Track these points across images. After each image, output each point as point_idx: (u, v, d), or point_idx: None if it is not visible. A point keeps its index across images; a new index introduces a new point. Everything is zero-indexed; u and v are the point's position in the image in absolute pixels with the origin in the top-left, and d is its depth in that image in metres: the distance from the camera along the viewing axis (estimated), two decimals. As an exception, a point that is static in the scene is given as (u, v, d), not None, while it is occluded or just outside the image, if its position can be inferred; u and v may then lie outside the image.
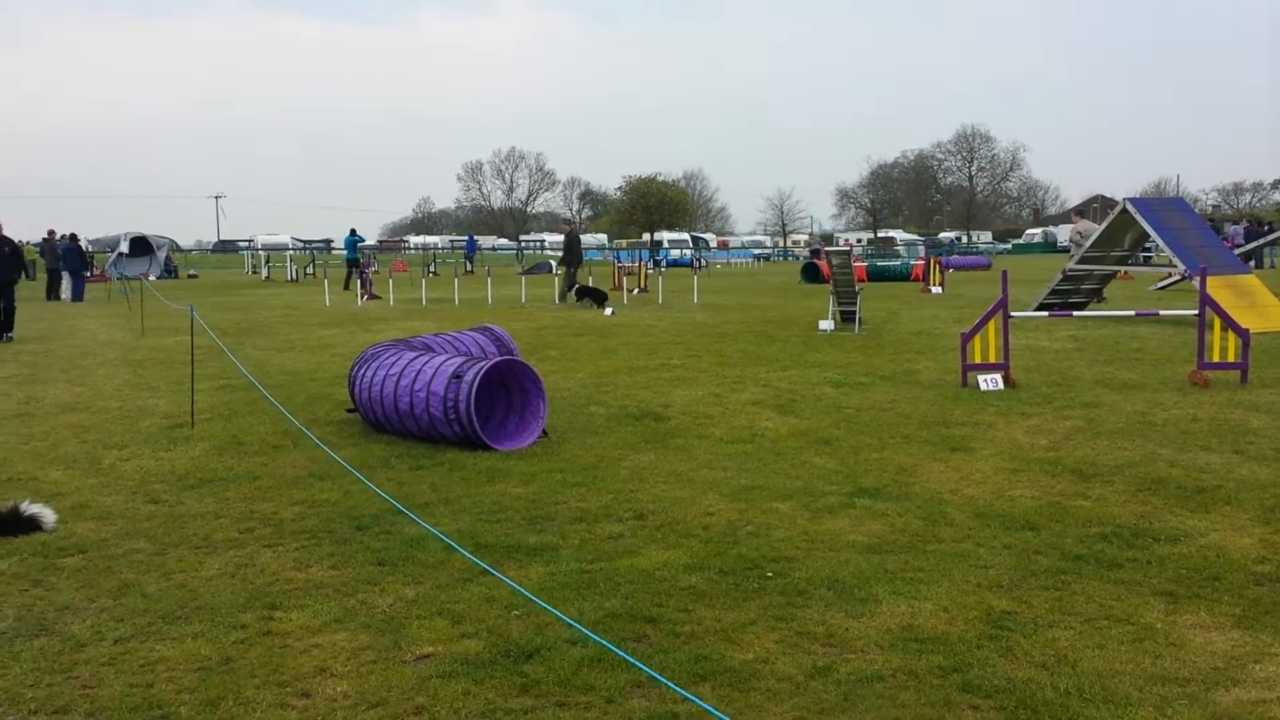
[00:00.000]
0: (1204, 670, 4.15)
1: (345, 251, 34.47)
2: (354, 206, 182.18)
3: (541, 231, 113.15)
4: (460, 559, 5.56)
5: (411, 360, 8.87)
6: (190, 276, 50.13)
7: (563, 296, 26.41)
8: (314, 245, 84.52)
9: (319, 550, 5.88)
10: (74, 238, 33.95)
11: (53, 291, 31.94)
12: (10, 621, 4.86)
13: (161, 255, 49.26)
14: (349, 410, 9.84)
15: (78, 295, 30.97)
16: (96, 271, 42.17)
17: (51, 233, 35.12)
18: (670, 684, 3.72)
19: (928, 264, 32.03)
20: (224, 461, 8.19)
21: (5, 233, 18.09)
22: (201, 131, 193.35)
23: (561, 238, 30.51)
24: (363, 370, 9.26)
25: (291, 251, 65.38)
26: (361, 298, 28.44)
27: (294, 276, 44.81)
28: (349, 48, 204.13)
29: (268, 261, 50.80)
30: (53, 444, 8.93)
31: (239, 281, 45.20)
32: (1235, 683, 4.05)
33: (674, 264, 59.91)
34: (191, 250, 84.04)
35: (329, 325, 20.46)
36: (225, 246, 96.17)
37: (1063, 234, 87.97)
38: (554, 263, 28.78)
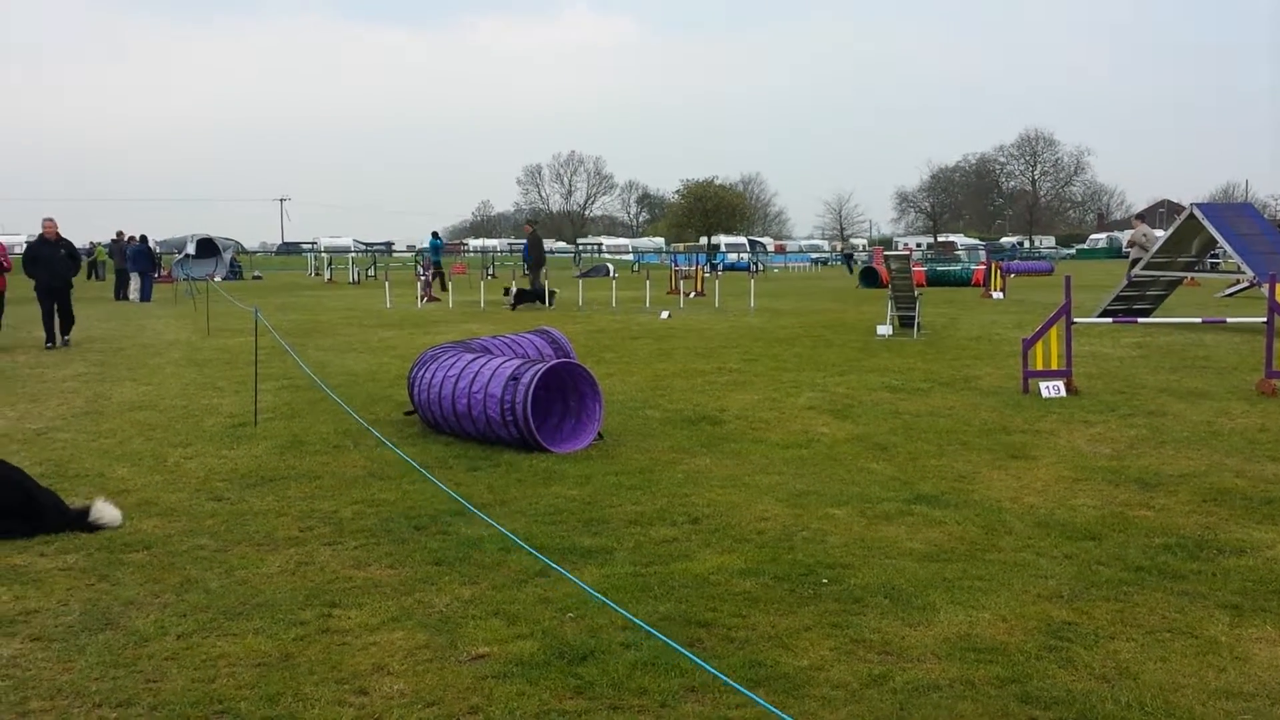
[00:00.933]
0: (1269, 685, 4.06)
1: (431, 255, 36.04)
2: (414, 210, 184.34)
3: (599, 235, 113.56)
4: (516, 561, 5.60)
5: (470, 362, 8.95)
6: (255, 278, 50.92)
7: (536, 297, 26.64)
8: (375, 248, 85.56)
9: (378, 549, 5.95)
10: (144, 239, 34.65)
11: (121, 291, 32.63)
12: (76, 615, 4.97)
13: (227, 257, 50.15)
14: (407, 412, 9.94)
15: (146, 295, 31.60)
16: (164, 272, 43.00)
17: (120, 234, 35.91)
18: (733, 683, 3.72)
19: (989, 269, 31.66)
20: (286, 460, 8.32)
21: (62, 234, 18.00)
22: (267, 135, 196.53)
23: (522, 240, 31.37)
24: (422, 372, 9.36)
25: (353, 254, 66.26)
26: (421, 300, 28.72)
27: (355, 279, 45.37)
28: (411, 53, 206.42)
29: (330, 264, 51.52)
30: (119, 441, 9.13)
31: (302, 283, 45.86)
32: (1303, 699, 3.96)
33: (731, 268, 59.88)
34: (256, 252, 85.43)
35: (389, 327, 20.70)
36: (289, 248, 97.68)
37: (1126, 239, 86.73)
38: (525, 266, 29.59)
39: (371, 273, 49.01)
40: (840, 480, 7.48)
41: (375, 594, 5.21)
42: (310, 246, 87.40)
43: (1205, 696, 3.98)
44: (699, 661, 3.78)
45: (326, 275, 48.46)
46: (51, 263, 17.24)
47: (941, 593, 5.11)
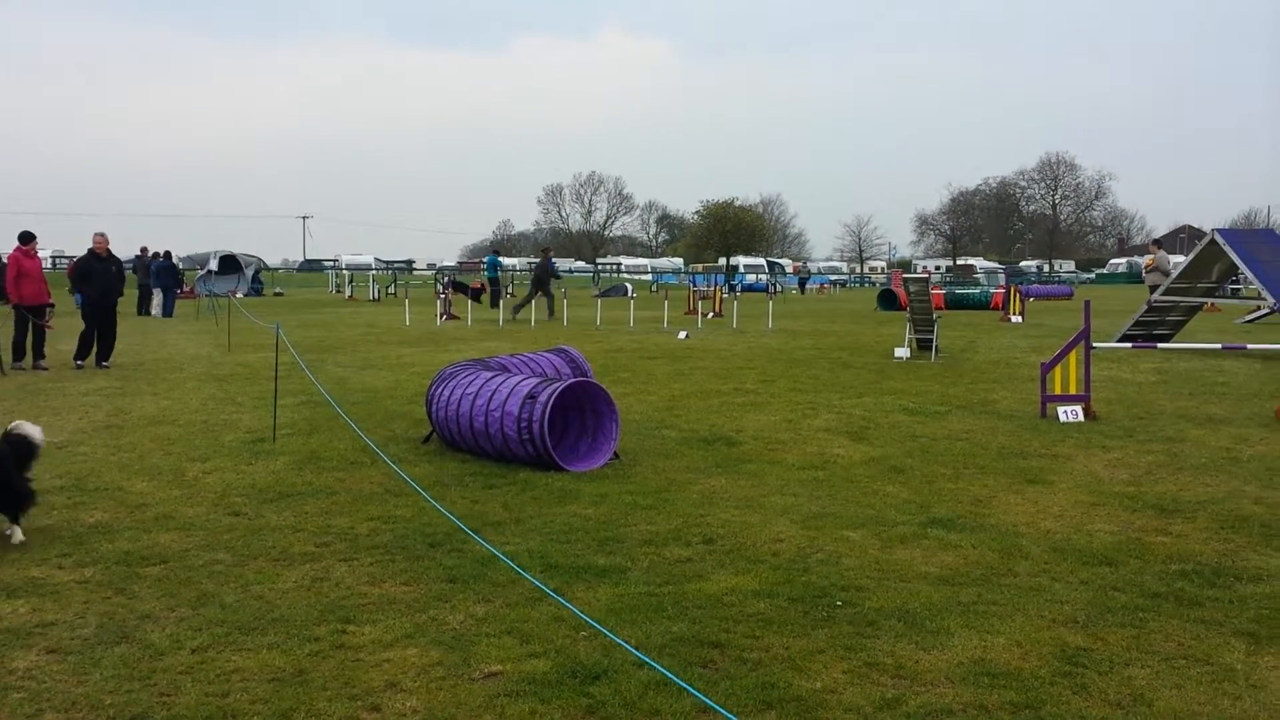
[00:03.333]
0: (1287, 715, 4.03)
1: (487, 271, 38.71)
2: (436, 228, 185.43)
3: (619, 255, 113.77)
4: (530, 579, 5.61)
5: (488, 380, 8.98)
6: (276, 294, 51.27)
7: (515, 310, 29.82)
8: (396, 265, 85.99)
9: (393, 566, 5.97)
10: (168, 255, 34.92)
11: (143, 307, 32.89)
12: (92, 629, 5.00)
13: (249, 273, 50.52)
14: (424, 440, 9.89)
15: (168, 311, 31.85)
16: (186, 288, 43.33)
17: (144, 250, 36.22)
18: (725, 712, 3.72)
19: (1008, 292, 31.58)
20: (303, 476, 8.36)
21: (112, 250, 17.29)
22: (291, 153, 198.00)
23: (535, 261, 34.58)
24: (440, 389, 9.40)
25: (374, 271, 66.64)
26: (440, 317, 28.83)
27: (376, 296, 45.62)
28: (433, 71, 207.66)
29: (351, 281, 51.84)
30: (139, 455, 9.20)
31: (323, 300, 46.15)
32: (1320, 729, 3.93)
33: (749, 289, 60.04)
34: (278, 269, 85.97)
35: (408, 344, 20.78)
36: (311, 266, 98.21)
37: (1144, 264, 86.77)
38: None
39: (392, 290, 49.27)
40: (856, 503, 7.47)
41: (389, 611, 5.23)
42: (332, 264, 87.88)
43: (1221, 725, 3.95)
44: (694, 692, 3.78)
45: (347, 292, 48.75)
46: (105, 279, 16.67)
47: (956, 617, 5.10)
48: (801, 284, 72.31)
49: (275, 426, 10.09)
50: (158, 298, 32.42)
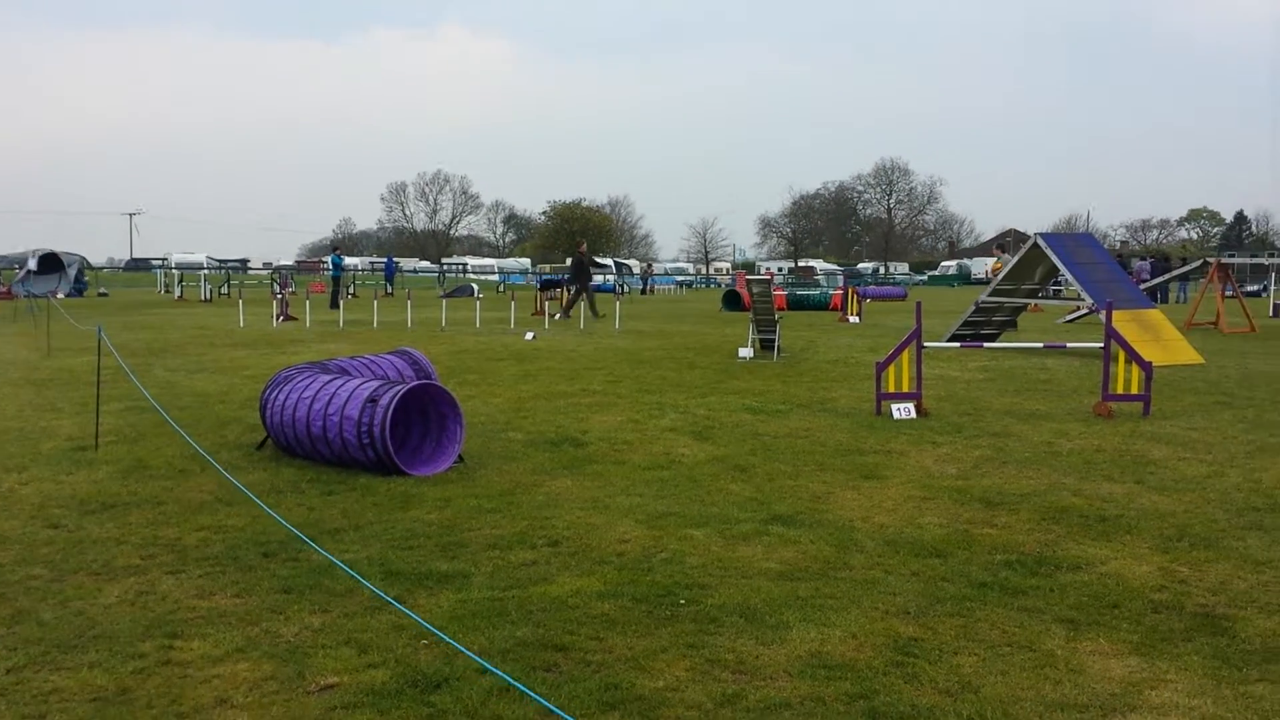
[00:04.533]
0: (1102, 696, 4.25)
1: (331, 270, 38.35)
2: (274, 226, 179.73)
3: (464, 255, 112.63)
4: (369, 587, 5.48)
5: (326, 383, 8.74)
6: (100, 295, 48.89)
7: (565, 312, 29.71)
8: (229, 264, 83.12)
9: (223, 577, 5.75)
10: (-21, 253, 32.96)
11: (-46, 308, 30.97)
12: (-106, 652, 4.66)
13: (71, 273, 48.05)
14: (258, 447, 9.56)
15: (-20, 312, 30.06)
16: (3, 289, 40.91)
17: (-45, 248, 34.07)
18: (564, 714, 3.70)
19: (846, 294, 32.51)
20: (128, 485, 7.97)
21: None
22: (118, 147, 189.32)
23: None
24: (275, 393, 9.10)
25: (206, 270, 64.23)
26: (277, 319, 27.98)
27: (208, 296, 43.99)
28: (270, 64, 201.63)
29: (181, 281, 49.84)
30: (-53, 466, 8.63)
31: (151, 300, 44.21)
32: (1131, 709, 4.14)
33: (597, 289, 60.17)
34: (103, 268, 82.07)
35: (242, 346, 20.08)
36: (138, 265, 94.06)
37: (977, 266, 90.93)
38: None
39: (225, 290, 47.58)
40: (700, 501, 7.55)
41: (219, 624, 5.03)
42: (161, 263, 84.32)
43: (1042, 709, 4.13)
44: (537, 697, 3.75)
45: (177, 293, 46.85)
46: None
47: (795, 611, 5.20)
48: (644, 282, 72.88)
49: (98, 434, 9.60)
50: (-30, 298, 30.57)
